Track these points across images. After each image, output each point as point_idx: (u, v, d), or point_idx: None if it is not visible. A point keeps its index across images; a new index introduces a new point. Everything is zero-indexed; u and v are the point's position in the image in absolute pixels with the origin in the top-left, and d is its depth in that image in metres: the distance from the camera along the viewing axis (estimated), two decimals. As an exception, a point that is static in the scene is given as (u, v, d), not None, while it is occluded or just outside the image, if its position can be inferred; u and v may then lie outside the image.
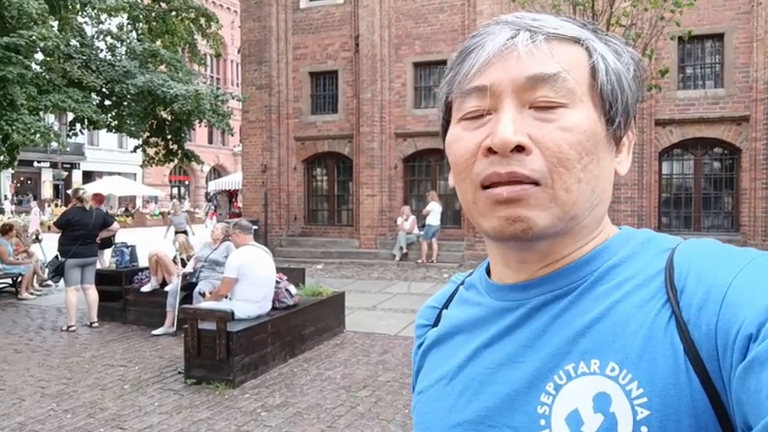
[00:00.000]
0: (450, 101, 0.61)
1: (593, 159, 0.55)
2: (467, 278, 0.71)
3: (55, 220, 8.13)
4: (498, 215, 0.55)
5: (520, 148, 0.53)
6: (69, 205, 7.38)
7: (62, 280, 6.95)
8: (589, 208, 0.57)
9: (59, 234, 6.92)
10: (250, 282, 5.16)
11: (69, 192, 29.18)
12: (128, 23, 11.62)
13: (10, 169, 9.61)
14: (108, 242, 9.21)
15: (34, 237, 10.01)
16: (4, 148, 8.61)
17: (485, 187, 0.55)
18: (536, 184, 0.54)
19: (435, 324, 0.71)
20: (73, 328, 6.70)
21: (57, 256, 6.90)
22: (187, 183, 41.63)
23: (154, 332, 6.43)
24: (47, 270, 7.27)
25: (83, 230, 6.74)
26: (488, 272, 0.67)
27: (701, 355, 0.47)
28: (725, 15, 11.22)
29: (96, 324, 6.85)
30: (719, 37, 11.39)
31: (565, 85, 0.55)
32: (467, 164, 0.57)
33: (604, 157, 0.57)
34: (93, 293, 6.91)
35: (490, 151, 0.54)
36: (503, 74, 0.55)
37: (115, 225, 7.47)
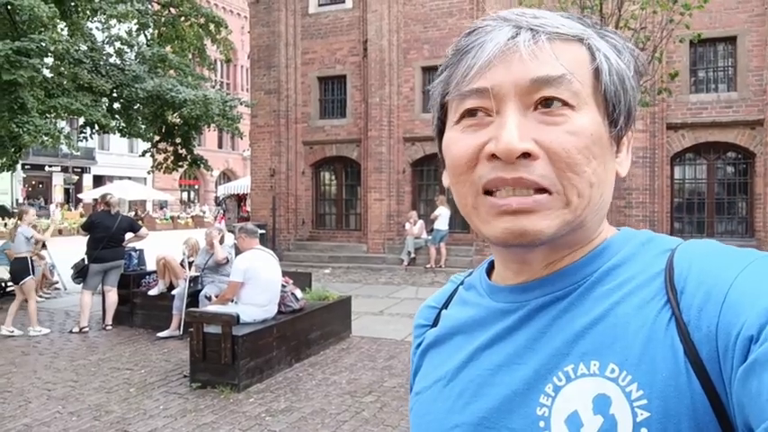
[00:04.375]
0: (445, 102, 0.59)
1: (600, 163, 0.55)
2: (466, 278, 0.71)
3: (64, 223, 8.29)
4: (502, 226, 0.54)
5: (526, 155, 0.52)
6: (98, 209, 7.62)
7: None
8: (597, 212, 0.56)
9: (87, 237, 7.09)
10: (256, 286, 5.16)
11: (81, 196, 29.54)
12: (137, 29, 11.72)
13: (21, 173, 9.74)
14: None
15: (42, 244, 10.09)
16: (10, 149, 8.70)
17: (487, 192, 0.54)
18: (546, 191, 0.52)
19: (434, 324, 0.70)
20: (86, 329, 6.75)
21: (83, 259, 7.03)
22: (197, 187, 41.93)
23: (159, 334, 6.46)
24: (71, 272, 7.41)
25: (105, 233, 6.88)
26: (488, 272, 0.66)
27: (702, 356, 0.46)
28: (738, 18, 11.09)
29: (110, 327, 6.89)
30: (732, 40, 11.26)
31: (570, 88, 0.53)
32: (466, 167, 0.56)
33: (609, 160, 0.57)
34: (112, 296, 6.98)
35: (494, 157, 0.53)
36: (505, 76, 0.53)
37: (144, 231, 7.51)
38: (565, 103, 0.53)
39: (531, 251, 0.57)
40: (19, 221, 6.84)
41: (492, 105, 0.54)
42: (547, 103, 0.53)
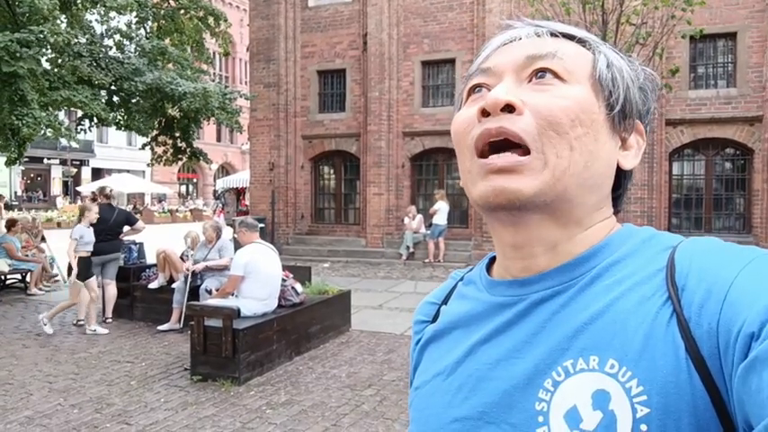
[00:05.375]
0: (463, 94, 0.64)
1: (587, 133, 0.56)
2: (466, 274, 0.71)
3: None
4: (487, 184, 0.56)
5: (511, 109, 0.55)
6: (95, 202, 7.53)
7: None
8: (581, 185, 0.56)
9: None
10: (256, 279, 5.17)
11: (79, 188, 29.71)
12: (136, 21, 11.68)
13: (20, 166, 9.74)
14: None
15: (41, 237, 10.10)
16: (13, 143, 8.68)
17: (480, 155, 0.57)
18: (527, 152, 0.55)
19: (434, 320, 0.70)
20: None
21: None
22: (195, 180, 41.86)
23: (159, 327, 6.48)
24: (58, 266, 7.38)
25: (103, 226, 6.86)
26: (488, 269, 0.67)
27: (703, 353, 0.47)
28: (738, 14, 11.09)
29: (110, 320, 6.91)
30: (732, 36, 11.26)
31: (562, 64, 0.57)
32: (464, 132, 0.59)
33: (603, 140, 0.58)
34: (112, 289, 6.98)
35: (484, 114, 0.56)
36: (505, 56, 0.60)
37: (140, 224, 7.46)
38: (556, 76, 0.57)
39: (518, 224, 0.57)
40: (82, 217, 6.56)
41: (493, 81, 0.59)
42: (540, 74, 0.57)
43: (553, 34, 0.60)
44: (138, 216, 8.26)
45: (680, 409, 0.46)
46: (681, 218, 12.14)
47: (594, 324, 0.52)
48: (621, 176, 0.62)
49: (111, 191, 7.36)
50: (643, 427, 0.46)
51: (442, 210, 12.19)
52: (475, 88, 0.61)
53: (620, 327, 0.51)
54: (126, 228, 7.30)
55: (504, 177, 0.55)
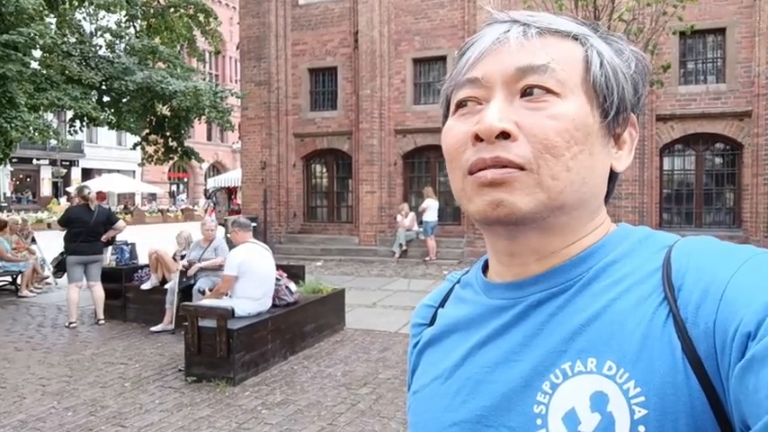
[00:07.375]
0: (449, 97, 0.62)
1: (583, 150, 0.55)
2: (463, 276, 0.70)
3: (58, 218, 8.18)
4: (483, 199, 0.55)
5: (506, 135, 0.54)
6: (74, 203, 7.47)
7: (65, 276, 7.03)
8: (579, 199, 0.56)
9: (65, 231, 7.01)
10: (250, 279, 5.16)
11: (69, 189, 29.63)
12: (126, 20, 11.59)
13: (8, 167, 9.66)
14: (110, 240, 9.19)
15: (31, 238, 10.01)
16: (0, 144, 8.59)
17: (471, 174, 0.56)
18: (521, 168, 0.54)
19: (431, 323, 0.70)
20: (74, 325, 6.71)
21: (62, 253, 6.99)
22: (186, 180, 41.62)
23: (152, 329, 6.45)
24: (49, 266, 7.34)
25: (83, 228, 6.78)
26: (485, 270, 0.66)
27: (700, 353, 0.46)
28: (727, 10, 11.17)
29: (103, 321, 6.87)
30: (721, 32, 11.34)
31: (554, 76, 0.55)
32: (457, 152, 0.58)
33: (598, 150, 0.57)
34: (98, 291, 6.93)
35: (477, 139, 0.55)
36: (494, 66, 0.57)
37: (120, 223, 7.34)
38: (549, 91, 0.55)
39: (515, 236, 0.57)
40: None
41: (482, 94, 0.57)
42: (532, 90, 0.55)
43: (541, 33, 0.57)
44: (128, 217, 8.19)
45: (677, 410, 0.46)
46: (672, 213, 12.23)
47: (592, 325, 0.52)
48: (612, 174, 0.62)
49: (89, 192, 7.18)
50: (641, 428, 0.46)
51: (431, 207, 12.19)
52: (463, 101, 0.59)
53: (618, 328, 0.50)
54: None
55: (498, 190, 0.54)
